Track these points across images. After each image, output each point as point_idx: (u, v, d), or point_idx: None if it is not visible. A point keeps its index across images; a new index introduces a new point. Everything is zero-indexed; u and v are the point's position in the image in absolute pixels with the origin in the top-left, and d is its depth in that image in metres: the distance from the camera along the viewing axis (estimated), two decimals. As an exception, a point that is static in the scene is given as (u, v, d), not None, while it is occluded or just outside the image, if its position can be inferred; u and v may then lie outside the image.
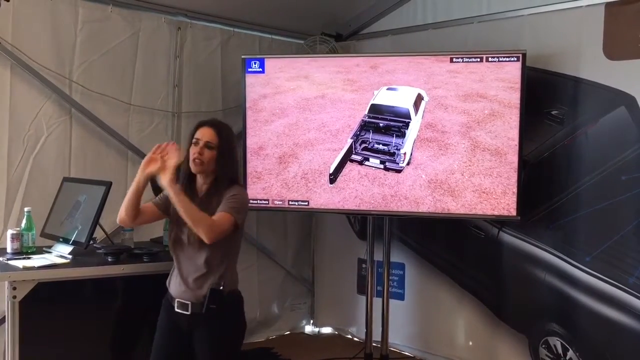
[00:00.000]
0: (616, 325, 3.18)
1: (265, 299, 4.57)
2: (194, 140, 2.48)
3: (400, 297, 4.26)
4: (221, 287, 2.41)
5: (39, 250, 3.02)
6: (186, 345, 2.46)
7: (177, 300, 2.45)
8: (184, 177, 2.49)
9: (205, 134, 2.47)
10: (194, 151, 2.45)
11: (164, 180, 2.30)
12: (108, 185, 2.99)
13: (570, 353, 3.42)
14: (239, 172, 2.57)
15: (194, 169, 2.46)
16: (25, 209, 3.04)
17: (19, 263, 2.76)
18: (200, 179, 2.52)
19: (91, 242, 3.01)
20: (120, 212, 2.45)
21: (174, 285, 2.49)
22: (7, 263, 2.79)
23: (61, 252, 2.96)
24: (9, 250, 2.96)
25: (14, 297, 2.64)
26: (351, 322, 4.65)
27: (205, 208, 2.39)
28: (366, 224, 3.90)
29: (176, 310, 2.45)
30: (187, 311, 2.42)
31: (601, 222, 3.25)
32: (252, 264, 4.46)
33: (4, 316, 3.07)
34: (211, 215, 2.37)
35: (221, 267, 2.45)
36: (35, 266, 2.74)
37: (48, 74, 3.43)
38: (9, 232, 2.99)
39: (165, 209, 2.51)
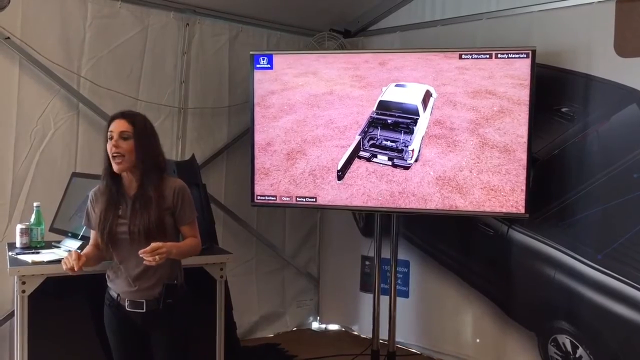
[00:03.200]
0: (628, 323, 3.16)
1: (266, 293, 4.57)
2: (108, 135, 2.34)
3: (405, 294, 4.25)
4: (175, 281, 2.42)
5: (48, 245, 3.03)
6: (142, 342, 2.44)
7: (127, 300, 2.39)
8: (107, 181, 2.37)
9: (118, 126, 2.33)
10: (110, 146, 2.32)
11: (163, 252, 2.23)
12: (116, 180, 2.99)
13: (580, 351, 3.40)
14: (164, 158, 2.44)
15: (116, 167, 2.32)
16: (35, 204, 3.04)
17: (28, 258, 2.78)
18: (126, 179, 2.38)
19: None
20: None
21: (121, 285, 2.41)
22: (16, 258, 2.80)
23: (70, 247, 2.96)
24: (18, 244, 2.97)
25: (23, 291, 2.65)
26: (355, 319, 4.65)
27: (145, 208, 2.32)
28: (371, 221, 3.89)
29: (127, 309, 2.39)
30: (142, 309, 2.38)
31: (612, 220, 3.23)
32: (252, 258, 4.47)
33: (13, 310, 3.09)
34: (158, 215, 2.32)
35: (168, 260, 2.33)
36: (44, 261, 2.75)
37: (56, 69, 3.44)
38: (18, 226, 3.00)
39: (100, 235, 2.38)
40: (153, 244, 2.21)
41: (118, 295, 2.42)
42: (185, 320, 2.48)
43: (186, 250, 2.41)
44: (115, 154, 2.30)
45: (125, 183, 2.39)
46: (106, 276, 2.49)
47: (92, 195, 2.45)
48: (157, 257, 2.20)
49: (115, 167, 2.32)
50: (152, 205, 2.33)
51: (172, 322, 2.43)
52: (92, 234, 2.47)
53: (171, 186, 2.39)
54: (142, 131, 2.35)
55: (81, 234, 2.99)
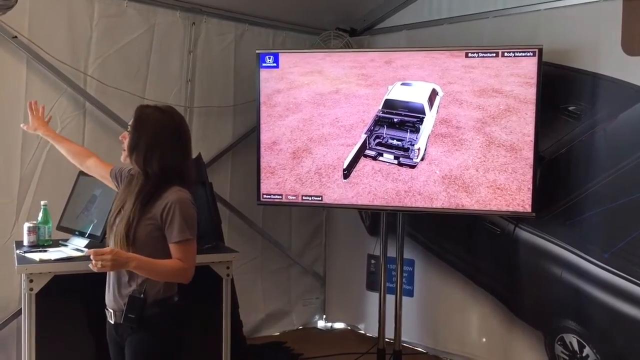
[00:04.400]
0: (635, 321, 3.15)
1: (271, 291, 4.57)
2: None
3: (410, 293, 4.25)
4: (141, 295, 2.08)
5: (55, 244, 3.04)
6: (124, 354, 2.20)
7: (106, 308, 2.21)
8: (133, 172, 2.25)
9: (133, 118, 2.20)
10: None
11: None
12: (123, 179, 3.00)
13: (586, 350, 3.39)
14: (173, 167, 2.14)
15: (121, 157, 2.24)
16: (42, 203, 3.06)
17: (36, 256, 2.79)
18: (138, 172, 2.20)
19: (106, 235, 3.02)
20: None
21: (106, 291, 2.23)
22: (24, 256, 2.82)
23: (77, 246, 2.98)
24: (25, 243, 2.99)
25: (31, 289, 2.67)
26: (361, 318, 4.65)
27: (131, 209, 2.09)
28: (377, 220, 3.89)
29: (108, 318, 2.22)
30: (111, 320, 2.18)
31: (620, 219, 3.22)
32: (257, 256, 4.47)
33: (20, 309, 3.11)
34: (140, 222, 2.08)
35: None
36: (52, 259, 2.76)
37: (63, 68, 3.45)
38: (26, 225, 3.01)
39: (116, 181, 2.40)
40: (97, 249, 1.95)
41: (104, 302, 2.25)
42: (151, 345, 2.13)
43: (158, 270, 2.07)
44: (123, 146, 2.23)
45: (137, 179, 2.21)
46: None
47: (127, 171, 2.34)
48: (99, 263, 1.91)
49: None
50: (139, 209, 2.09)
51: (136, 342, 2.12)
52: (106, 163, 2.51)
53: (169, 197, 2.09)
54: (140, 125, 2.15)
55: (88, 232, 3.01)
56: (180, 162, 2.16)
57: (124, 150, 2.20)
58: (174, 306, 2.17)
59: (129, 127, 2.19)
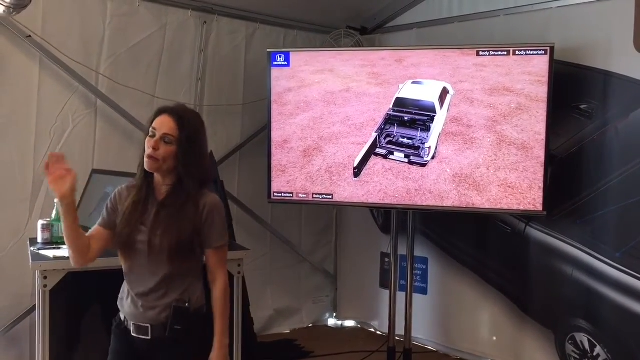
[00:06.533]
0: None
1: (281, 289, 4.58)
2: (150, 130, 1.99)
3: (424, 291, 4.25)
4: (186, 304, 2.01)
5: (68, 241, 3.06)
6: None
7: (133, 323, 2.03)
8: (140, 174, 2.04)
9: (163, 125, 1.97)
10: (148, 144, 1.97)
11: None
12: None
13: (597, 349, 3.38)
14: (208, 170, 2.11)
15: (146, 165, 1.98)
16: (56, 200, 3.07)
17: (50, 253, 2.82)
18: (158, 177, 2.04)
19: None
20: (70, 256, 2.03)
21: (127, 306, 2.06)
22: (38, 253, 2.85)
23: (90, 243, 3.00)
24: (39, 240, 3.01)
25: (45, 286, 2.69)
26: (374, 315, 4.65)
27: (172, 219, 1.98)
28: (390, 218, 3.89)
29: (133, 334, 2.04)
30: (147, 336, 2.01)
31: (631, 218, 3.20)
32: (266, 253, 4.48)
33: (34, 305, 3.15)
34: (187, 231, 1.98)
35: (185, 281, 2.03)
36: (65, 256, 2.76)
37: (76, 67, 3.48)
38: (40, 222, 3.04)
39: (114, 224, 2.05)
40: None
41: (125, 318, 2.08)
42: (195, 354, 2.05)
43: (226, 317, 2.06)
44: (151, 156, 1.96)
45: (157, 180, 2.05)
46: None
47: (118, 190, 2.11)
48: None
49: (145, 164, 1.98)
50: (181, 217, 1.98)
51: (181, 354, 2.03)
52: (95, 228, 2.09)
53: (207, 202, 2.02)
54: (188, 138, 1.98)
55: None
56: (206, 164, 2.09)
57: (153, 160, 1.96)
58: (208, 313, 2.10)
59: (154, 133, 1.98)
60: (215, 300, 2.06)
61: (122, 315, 2.10)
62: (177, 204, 1.99)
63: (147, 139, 1.99)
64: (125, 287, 2.10)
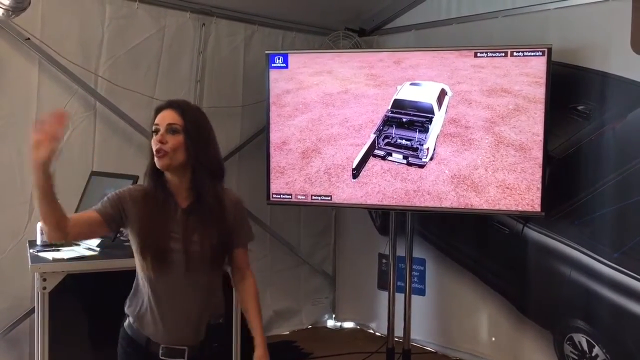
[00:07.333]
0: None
1: (280, 291, 4.58)
2: (153, 128, 1.91)
3: (421, 292, 4.26)
4: (220, 320, 1.97)
5: (68, 243, 3.07)
6: None
7: (163, 346, 1.89)
8: (153, 181, 1.92)
9: (165, 118, 1.90)
10: (155, 141, 1.88)
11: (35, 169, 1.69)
12: (134, 179, 3.02)
13: (596, 350, 3.38)
14: (220, 161, 2.02)
15: (158, 163, 1.87)
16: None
17: (49, 255, 2.82)
18: (174, 183, 1.91)
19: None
20: (43, 228, 1.86)
21: (153, 325, 1.89)
22: (37, 255, 2.85)
23: (89, 245, 3.00)
24: (38, 242, 3.02)
25: (44, 288, 2.69)
26: (372, 317, 4.66)
27: (206, 223, 1.87)
28: (388, 219, 3.90)
29: (161, 357, 1.89)
30: (183, 358, 1.89)
31: (629, 218, 3.21)
32: (265, 255, 4.48)
33: (33, 307, 3.15)
34: (224, 234, 1.90)
35: (217, 292, 1.98)
36: (65, 258, 2.79)
37: (75, 69, 3.48)
38: (39, 224, 3.04)
39: (115, 220, 1.88)
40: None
41: (148, 339, 1.90)
42: None
43: (261, 315, 2.05)
44: (159, 150, 1.86)
45: (172, 189, 1.92)
46: (125, 308, 1.98)
47: (130, 192, 1.93)
48: None
49: (157, 163, 1.87)
50: (213, 219, 1.89)
51: None
52: (89, 211, 1.90)
53: (231, 198, 1.97)
54: (195, 125, 1.90)
55: (100, 231, 3.04)
56: (218, 154, 2.02)
57: (161, 152, 1.86)
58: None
59: (158, 128, 1.89)
60: (250, 299, 2.03)
61: (139, 337, 1.91)
62: (205, 206, 1.89)
63: (152, 139, 1.91)
64: (146, 304, 1.90)
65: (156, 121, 1.91)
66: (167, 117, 1.90)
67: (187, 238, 1.86)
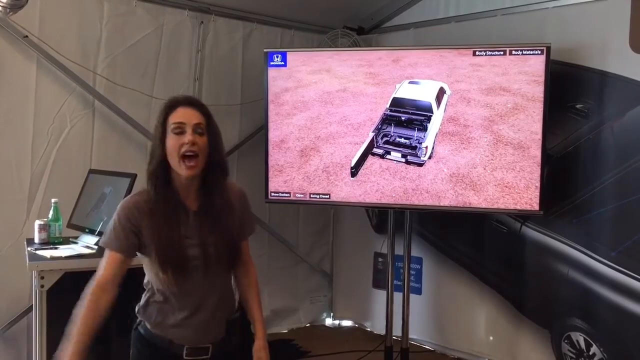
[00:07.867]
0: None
1: (279, 289, 4.58)
2: (173, 126, 1.74)
3: (418, 291, 4.26)
4: (237, 313, 1.96)
5: (66, 241, 3.07)
6: None
7: (187, 347, 1.85)
8: (160, 189, 1.79)
9: (191, 117, 1.76)
10: (180, 142, 1.73)
11: None
12: (133, 177, 3.02)
13: (593, 348, 3.39)
14: (226, 161, 1.95)
15: (186, 171, 1.74)
16: (53, 200, 3.09)
17: (47, 253, 2.82)
18: (181, 185, 1.81)
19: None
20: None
21: (178, 330, 1.84)
22: (35, 253, 2.84)
23: (87, 243, 3.01)
24: (36, 240, 3.02)
25: (42, 286, 2.69)
26: (367, 316, 4.66)
27: (218, 223, 1.82)
28: (384, 218, 3.90)
29: (185, 357, 1.86)
30: (207, 355, 1.87)
31: (627, 217, 3.21)
32: (264, 254, 4.47)
33: (31, 305, 3.15)
34: (232, 221, 1.86)
35: (231, 288, 1.97)
36: (63, 256, 2.79)
37: (73, 67, 3.48)
38: (37, 222, 3.05)
39: (134, 246, 1.80)
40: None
41: (171, 341, 1.85)
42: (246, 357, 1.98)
43: (261, 306, 2.03)
44: (189, 153, 1.72)
45: (181, 193, 1.82)
46: (139, 316, 1.93)
47: (132, 205, 1.80)
48: None
49: (185, 171, 1.74)
50: (224, 217, 1.84)
51: None
52: (108, 256, 1.82)
53: (235, 192, 1.92)
54: (214, 123, 1.83)
55: (98, 229, 3.03)
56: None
57: (194, 159, 1.74)
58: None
59: (183, 128, 1.75)
60: (252, 290, 1.99)
61: (159, 340, 1.86)
62: (215, 205, 1.82)
63: (169, 139, 1.73)
64: (165, 311, 1.85)
65: (179, 119, 1.75)
66: (193, 116, 1.76)
67: (203, 242, 1.80)
